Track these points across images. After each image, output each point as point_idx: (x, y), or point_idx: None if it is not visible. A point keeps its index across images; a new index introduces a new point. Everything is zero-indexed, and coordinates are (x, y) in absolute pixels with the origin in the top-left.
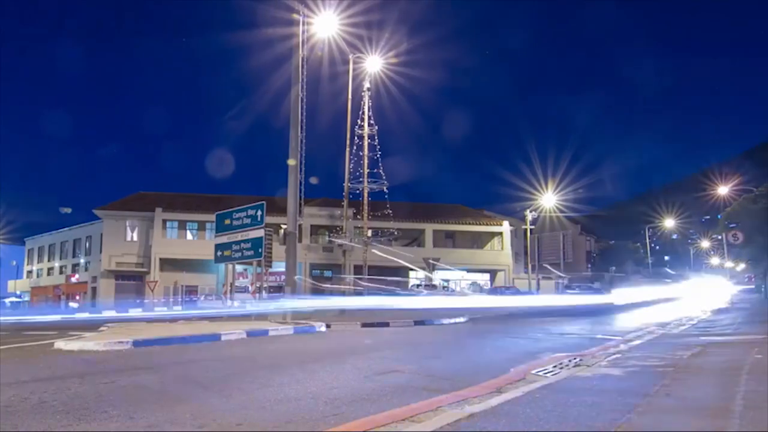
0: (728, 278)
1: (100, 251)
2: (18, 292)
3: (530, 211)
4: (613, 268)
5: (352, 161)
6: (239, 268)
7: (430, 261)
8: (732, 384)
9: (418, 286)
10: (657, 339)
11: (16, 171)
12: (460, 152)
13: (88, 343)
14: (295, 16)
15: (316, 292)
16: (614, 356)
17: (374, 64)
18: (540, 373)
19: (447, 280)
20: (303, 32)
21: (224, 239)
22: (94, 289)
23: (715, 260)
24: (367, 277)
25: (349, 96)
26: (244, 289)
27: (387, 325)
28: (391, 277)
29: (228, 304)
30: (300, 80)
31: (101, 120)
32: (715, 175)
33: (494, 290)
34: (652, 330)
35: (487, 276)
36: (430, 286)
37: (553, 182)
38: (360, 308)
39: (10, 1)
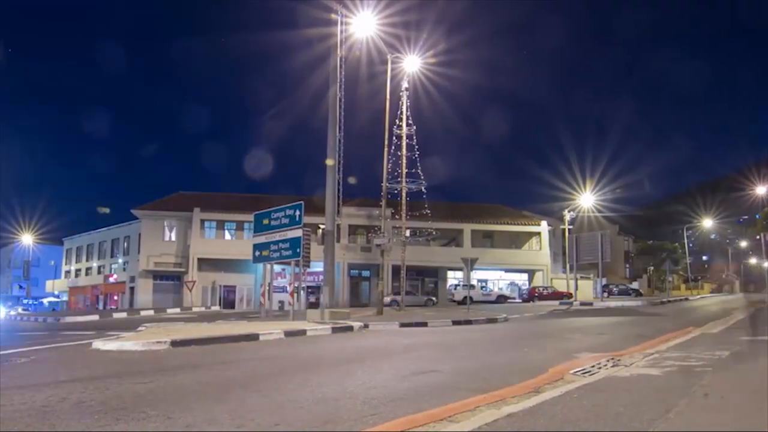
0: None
1: (138, 251)
2: (56, 292)
3: (568, 211)
4: (651, 268)
5: (390, 161)
6: (277, 267)
7: (469, 261)
8: None
9: (456, 286)
10: (695, 338)
11: (55, 171)
12: (499, 152)
13: (126, 343)
14: (333, 16)
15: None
16: (652, 356)
17: (412, 64)
18: (578, 373)
19: (485, 280)
20: (341, 32)
21: (262, 239)
22: (132, 289)
23: (753, 260)
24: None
25: (387, 96)
26: (283, 289)
27: (425, 324)
28: (429, 277)
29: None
30: (338, 80)
31: (140, 120)
32: (753, 175)
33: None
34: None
35: (525, 276)
36: (468, 286)
37: (591, 182)
38: None
39: (48, 3)
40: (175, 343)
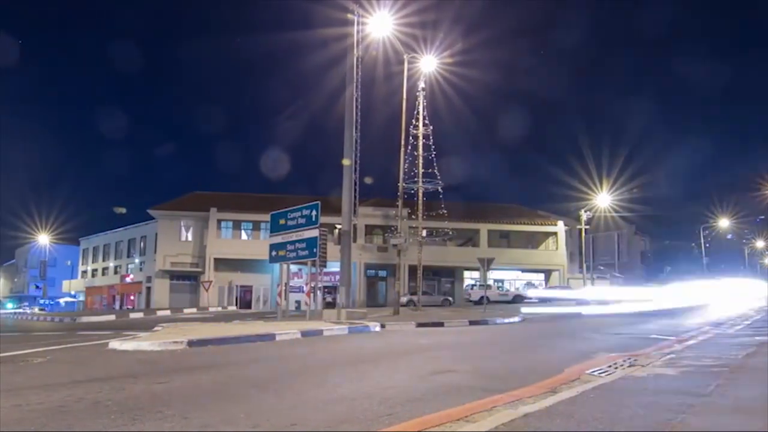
0: None
1: (155, 251)
2: (73, 292)
3: (585, 211)
4: (668, 268)
5: (407, 161)
6: (294, 267)
7: (485, 261)
8: None
9: (473, 286)
10: (711, 338)
11: (71, 171)
12: (515, 152)
13: (143, 343)
14: (350, 16)
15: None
16: (669, 356)
17: (429, 64)
18: (594, 373)
19: (501, 280)
20: (358, 32)
21: (279, 239)
22: (148, 289)
23: None
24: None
25: (404, 96)
26: (299, 289)
27: (442, 325)
28: (445, 277)
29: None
30: (355, 80)
31: (156, 120)
32: None
33: None
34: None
35: (541, 276)
36: (485, 286)
37: (607, 182)
38: None
39: (63, 3)
40: (191, 343)
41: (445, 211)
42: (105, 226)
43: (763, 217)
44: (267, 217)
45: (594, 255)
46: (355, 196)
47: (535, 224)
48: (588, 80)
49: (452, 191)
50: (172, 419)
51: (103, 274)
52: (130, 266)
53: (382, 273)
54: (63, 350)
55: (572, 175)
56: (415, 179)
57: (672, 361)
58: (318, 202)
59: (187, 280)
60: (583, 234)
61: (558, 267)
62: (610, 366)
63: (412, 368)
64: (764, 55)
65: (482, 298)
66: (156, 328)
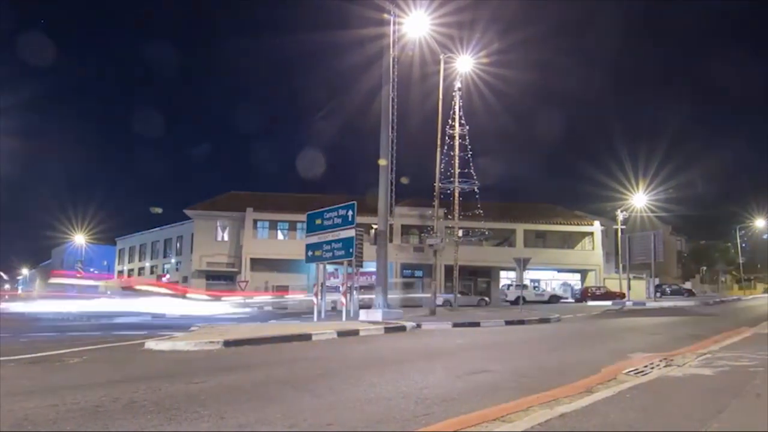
0: None
1: (191, 251)
2: (108, 292)
3: (621, 211)
4: (704, 268)
5: (443, 161)
6: (330, 267)
7: (521, 261)
8: None
9: (509, 286)
10: (748, 338)
11: (108, 171)
12: (552, 152)
13: (179, 343)
14: (386, 16)
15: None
16: (705, 356)
17: (465, 64)
18: (631, 373)
19: (537, 280)
20: (394, 32)
21: (315, 239)
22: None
23: None
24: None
25: (440, 96)
26: (335, 289)
27: (478, 324)
28: (481, 277)
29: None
30: (391, 80)
31: (192, 120)
32: None
33: None
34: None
35: (577, 276)
36: (521, 286)
37: (643, 182)
38: None
39: (99, 3)
40: (227, 343)
41: (481, 211)
42: (141, 226)
43: None
44: (303, 217)
45: (630, 255)
46: (391, 196)
47: (571, 224)
48: (626, 80)
49: (488, 191)
50: (209, 419)
51: (140, 274)
52: (166, 266)
53: (419, 273)
54: (99, 350)
55: (608, 175)
56: (452, 179)
57: (708, 360)
58: (354, 202)
59: (223, 279)
60: (619, 234)
61: (594, 267)
62: (646, 366)
63: (449, 368)
64: None
65: (518, 298)
66: (192, 328)
